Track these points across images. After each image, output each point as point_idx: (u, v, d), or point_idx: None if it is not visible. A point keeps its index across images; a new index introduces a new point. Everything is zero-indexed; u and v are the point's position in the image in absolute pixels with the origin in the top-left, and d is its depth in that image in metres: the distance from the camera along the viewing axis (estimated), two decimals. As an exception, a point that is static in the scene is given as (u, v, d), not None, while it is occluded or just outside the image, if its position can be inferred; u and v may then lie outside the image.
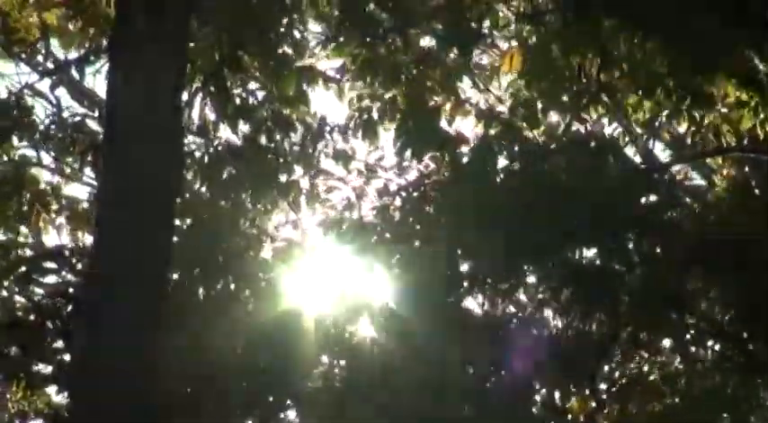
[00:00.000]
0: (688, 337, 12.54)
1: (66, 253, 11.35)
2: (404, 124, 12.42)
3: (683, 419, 12.17)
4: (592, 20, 11.42)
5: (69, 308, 11.13)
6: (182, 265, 11.93)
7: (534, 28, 12.26)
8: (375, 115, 12.91)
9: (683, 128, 12.67)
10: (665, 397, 12.63)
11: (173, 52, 9.78)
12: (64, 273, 11.77)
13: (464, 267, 12.27)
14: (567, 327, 12.14)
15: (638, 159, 13.66)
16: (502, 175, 12.19)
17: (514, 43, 12.74)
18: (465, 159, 12.23)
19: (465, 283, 12.23)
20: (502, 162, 12.33)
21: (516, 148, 12.26)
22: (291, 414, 12.79)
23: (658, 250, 11.99)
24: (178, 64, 9.79)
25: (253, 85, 12.59)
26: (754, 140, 12.07)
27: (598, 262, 12.00)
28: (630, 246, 11.96)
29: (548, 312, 12.56)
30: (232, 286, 12.40)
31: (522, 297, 12.70)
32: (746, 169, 13.24)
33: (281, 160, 12.97)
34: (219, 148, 12.94)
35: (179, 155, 10.05)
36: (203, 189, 12.94)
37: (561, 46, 11.83)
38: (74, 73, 13.07)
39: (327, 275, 12.84)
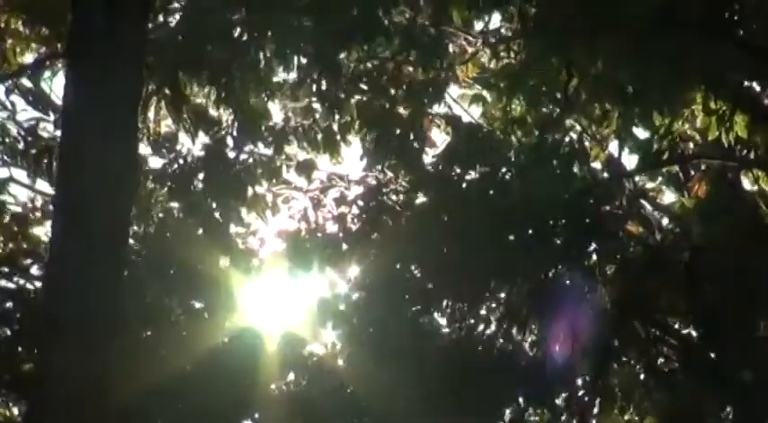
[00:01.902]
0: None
1: (19, 257, 11.26)
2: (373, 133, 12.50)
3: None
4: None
5: (20, 314, 11.01)
6: (140, 274, 11.89)
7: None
8: (336, 127, 12.97)
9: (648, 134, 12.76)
10: (625, 410, 12.65)
11: (130, 55, 9.78)
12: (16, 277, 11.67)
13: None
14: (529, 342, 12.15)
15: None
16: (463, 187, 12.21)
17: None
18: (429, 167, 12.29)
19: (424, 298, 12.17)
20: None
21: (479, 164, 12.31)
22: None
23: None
24: (135, 68, 9.79)
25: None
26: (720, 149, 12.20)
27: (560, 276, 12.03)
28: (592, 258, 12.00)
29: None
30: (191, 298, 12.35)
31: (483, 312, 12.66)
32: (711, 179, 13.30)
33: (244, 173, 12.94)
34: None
35: (134, 159, 10.02)
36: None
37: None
38: (29, 77, 12.98)
39: (285, 286, 12.81)
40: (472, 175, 12.20)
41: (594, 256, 12.19)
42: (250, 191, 13.08)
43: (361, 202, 12.37)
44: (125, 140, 9.71)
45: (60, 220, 9.58)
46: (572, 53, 11.42)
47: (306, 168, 13.27)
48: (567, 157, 12.15)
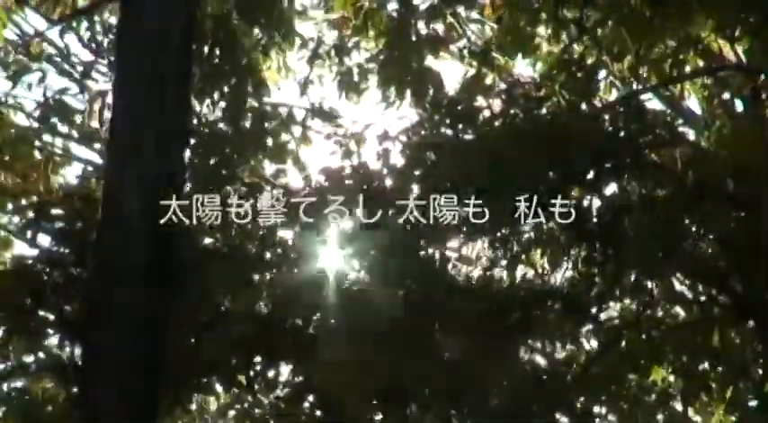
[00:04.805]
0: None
1: (75, 199, 11.27)
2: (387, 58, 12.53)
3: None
4: None
5: (75, 256, 11.06)
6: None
7: None
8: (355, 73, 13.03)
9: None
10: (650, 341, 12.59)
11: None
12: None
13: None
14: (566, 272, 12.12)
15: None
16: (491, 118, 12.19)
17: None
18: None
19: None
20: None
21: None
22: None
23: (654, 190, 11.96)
24: (188, 9, 9.82)
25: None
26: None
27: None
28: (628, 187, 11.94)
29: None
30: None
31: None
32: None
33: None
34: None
35: (187, 104, 10.05)
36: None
37: None
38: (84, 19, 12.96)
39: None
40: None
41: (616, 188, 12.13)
42: (270, 141, 13.06)
43: (404, 138, 12.31)
44: (178, 84, 9.74)
45: (113, 165, 9.65)
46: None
47: (328, 116, 13.32)
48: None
